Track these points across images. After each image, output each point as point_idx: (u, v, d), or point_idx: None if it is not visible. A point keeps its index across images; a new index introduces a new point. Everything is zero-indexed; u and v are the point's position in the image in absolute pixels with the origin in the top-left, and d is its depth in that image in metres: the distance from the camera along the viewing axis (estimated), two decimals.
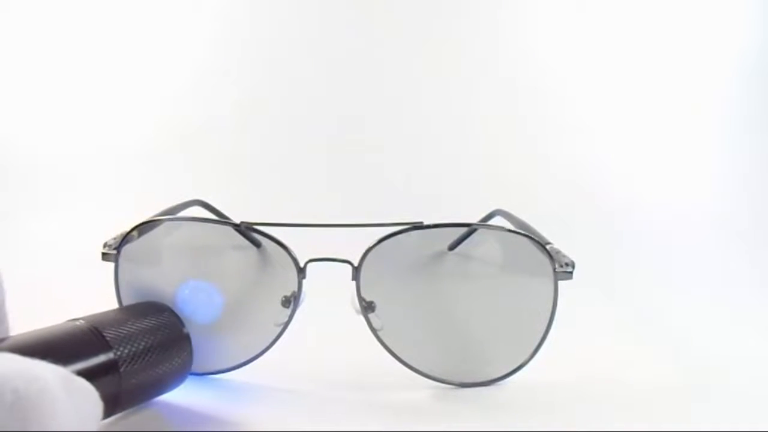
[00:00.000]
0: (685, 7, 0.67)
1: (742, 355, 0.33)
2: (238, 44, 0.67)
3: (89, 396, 0.19)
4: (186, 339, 0.26)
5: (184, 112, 0.65)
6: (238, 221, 0.28)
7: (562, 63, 0.67)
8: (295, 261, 0.28)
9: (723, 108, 0.67)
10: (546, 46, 0.68)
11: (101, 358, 0.22)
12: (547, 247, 0.28)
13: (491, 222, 0.36)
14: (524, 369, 0.28)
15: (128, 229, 0.28)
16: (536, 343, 0.28)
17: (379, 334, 0.28)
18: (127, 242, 0.28)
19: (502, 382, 0.28)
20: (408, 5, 0.67)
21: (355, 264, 0.28)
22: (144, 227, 0.28)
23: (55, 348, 0.21)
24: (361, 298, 0.28)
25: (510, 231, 0.29)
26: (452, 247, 0.30)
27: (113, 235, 0.28)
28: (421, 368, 0.28)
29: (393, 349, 0.28)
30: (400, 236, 0.28)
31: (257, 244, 0.29)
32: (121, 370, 0.22)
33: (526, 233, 0.29)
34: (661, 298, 0.42)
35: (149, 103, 0.65)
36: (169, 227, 0.29)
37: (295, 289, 0.28)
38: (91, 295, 0.28)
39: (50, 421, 0.16)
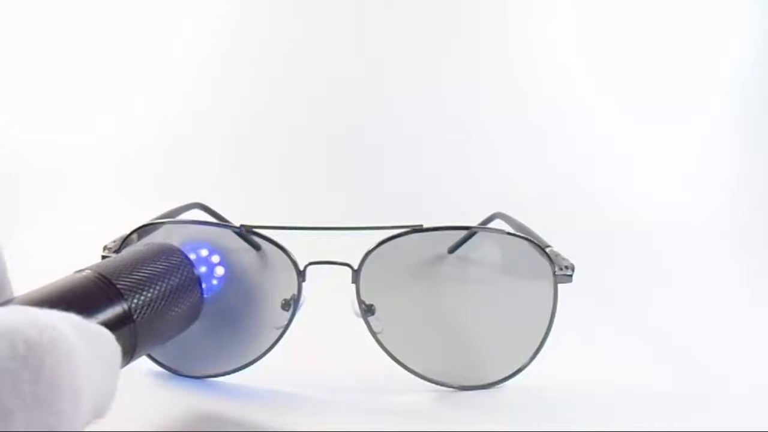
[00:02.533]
0: (685, 7, 0.67)
1: (742, 359, 0.33)
2: (238, 46, 0.67)
3: (106, 341, 0.18)
4: (197, 280, 0.25)
5: (184, 114, 0.65)
6: (238, 224, 0.28)
7: (561, 64, 0.67)
8: (295, 264, 0.28)
9: (723, 109, 0.67)
10: (546, 47, 0.67)
11: (116, 310, 0.21)
12: (547, 250, 0.28)
13: (491, 225, 0.36)
14: (524, 372, 0.28)
15: (128, 232, 0.28)
16: (536, 347, 0.28)
17: (379, 337, 0.28)
18: (127, 245, 0.28)
19: (501, 385, 0.28)
20: (408, 6, 0.67)
21: (355, 267, 0.28)
22: (144, 230, 0.28)
23: (66, 302, 0.19)
24: (360, 301, 0.28)
25: (510, 234, 0.29)
26: (452, 250, 0.30)
27: (113, 238, 0.28)
28: (420, 371, 0.28)
29: (393, 352, 0.28)
30: (399, 239, 0.28)
31: (257, 247, 0.29)
32: (136, 319, 0.21)
33: (526, 236, 0.29)
34: (660, 301, 0.42)
35: (149, 105, 0.65)
36: (169, 230, 0.29)
37: (295, 292, 0.28)
38: None
39: (67, 369, 0.16)
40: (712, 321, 0.39)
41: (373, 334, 0.28)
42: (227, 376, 0.28)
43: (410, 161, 0.62)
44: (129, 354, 0.21)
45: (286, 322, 0.28)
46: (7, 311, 0.16)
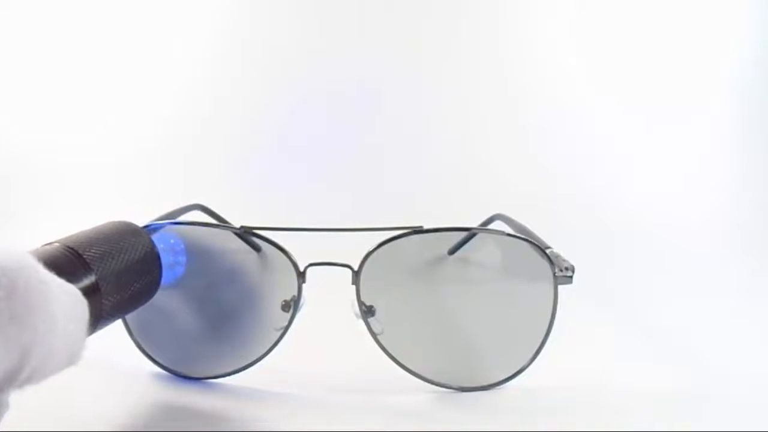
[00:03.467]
0: (685, 7, 0.67)
1: (742, 359, 0.33)
2: (238, 46, 0.67)
3: (74, 292, 0.19)
4: (157, 256, 0.26)
5: (184, 115, 0.65)
6: (238, 225, 0.28)
7: (561, 64, 0.67)
8: (295, 265, 0.28)
9: (723, 109, 0.67)
10: (546, 47, 0.67)
11: (83, 281, 0.21)
12: (547, 251, 0.28)
13: (491, 226, 0.36)
14: (524, 373, 0.28)
15: None
16: (536, 348, 0.28)
17: (379, 338, 0.28)
18: None
19: (501, 386, 0.29)
20: (408, 6, 0.67)
21: (355, 268, 0.28)
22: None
23: None
24: (361, 303, 0.28)
25: (510, 235, 0.29)
26: (452, 252, 0.30)
27: None
28: (420, 372, 0.28)
29: (393, 354, 0.28)
30: (400, 240, 0.28)
31: (257, 249, 0.29)
32: (102, 289, 0.22)
33: (526, 237, 0.29)
34: (660, 301, 0.42)
35: (149, 106, 0.65)
36: (169, 231, 0.29)
37: (295, 294, 0.28)
38: None
39: (40, 291, 0.17)
40: (712, 321, 0.39)
41: (373, 335, 0.28)
42: (227, 378, 0.28)
43: (410, 162, 0.62)
44: (94, 323, 0.22)
45: (286, 324, 0.28)
46: None
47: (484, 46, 0.67)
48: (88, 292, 0.21)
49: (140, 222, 0.28)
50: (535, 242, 0.28)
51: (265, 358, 0.28)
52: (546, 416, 0.27)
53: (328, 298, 0.28)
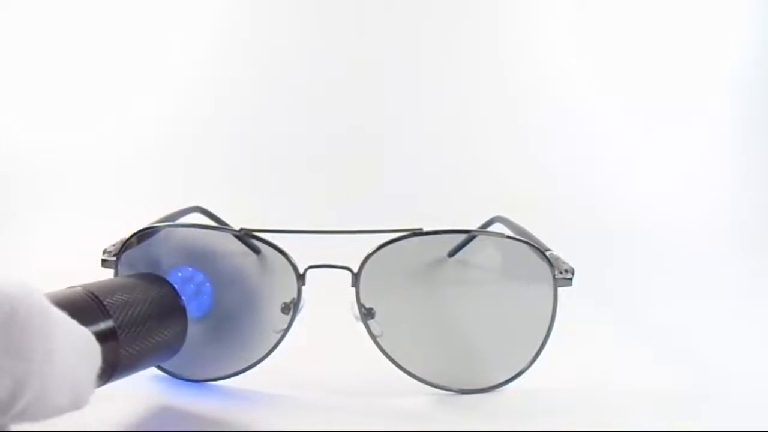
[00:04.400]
0: (686, 7, 0.67)
1: (742, 360, 0.33)
2: (238, 46, 0.67)
3: (85, 333, 0.18)
4: (182, 310, 0.26)
5: (183, 117, 0.65)
6: (237, 228, 0.28)
7: (561, 64, 0.67)
8: (295, 267, 0.28)
9: (723, 109, 0.67)
10: (546, 47, 0.67)
11: (101, 325, 0.21)
12: (547, 253, 0.28)
13: (491, 228, 0.36)
14: (524, 375, 0.28)
15: (128, 235, 0.28)
16: (536, 350, 0.28)
17: (379, 340, 0.28)
18: (127, 249, 0.28)
19: (501, 388, 0.29)
20: (408, 6, 0.67)
21: (355, 270, 0.28)
22: (144, 234, 0.28)
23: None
24: (360, 305, 0.28)
25: (509, 237, 0.29)
26: (452, 254, 0.30)
27: (113, 242, 0.28)
28: (420, 375, 0.28)
29: (392, 356, 0.28)
30: (399, 243, 0.28)
31: (257, 251, 0.29)
32: (120, 336, 0.22)
33: (526, 240, 0.29)
34: (660, 301, 0.42)
35: (149, 108, 0.65)
36: (168, 234, 0.29)
37: (295, 296, 0.28)
38: None
39: (39, 319, 0.16)
40: (712, 321, 0.39)
41: (373, 337, 0.28)
42: (227, 380, 0.28)
43: (410, 163, 0.62)
44: (109, 371, 0.22)
45: (286, 326, 0.28)
46: None
47: (484, 46, 0.67)
48: (105, 338, 0.21)
49: (140, 224, 0.28)
50: (535, 245, 0.28)
51: (265, 361, 0.28)
52: (546, 418, 0.27)
53: (327, 301, 0.28)
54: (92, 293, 0.22)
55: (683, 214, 0.59)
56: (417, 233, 0.28)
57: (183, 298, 0.26)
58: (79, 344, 0.18)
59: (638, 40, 0.66)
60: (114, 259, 0.28)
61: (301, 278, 0.28)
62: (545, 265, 0.28)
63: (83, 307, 0.21)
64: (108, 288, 0.23)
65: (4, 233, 0.51)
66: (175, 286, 0.26)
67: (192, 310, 0.27)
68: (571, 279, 0.28)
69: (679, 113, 0.66)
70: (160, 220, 0.31)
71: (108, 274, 0.28)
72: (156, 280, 0.26)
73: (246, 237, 0.28)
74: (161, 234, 0.28)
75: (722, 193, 0.62)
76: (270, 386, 0.28)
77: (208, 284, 0.28)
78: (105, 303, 0.22)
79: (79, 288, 0.22)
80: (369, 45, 0.66)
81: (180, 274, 0.27)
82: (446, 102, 0.65)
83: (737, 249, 0.54)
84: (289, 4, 0.68)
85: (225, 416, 0.26)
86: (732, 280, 0.47)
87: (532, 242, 0.29)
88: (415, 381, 0.28)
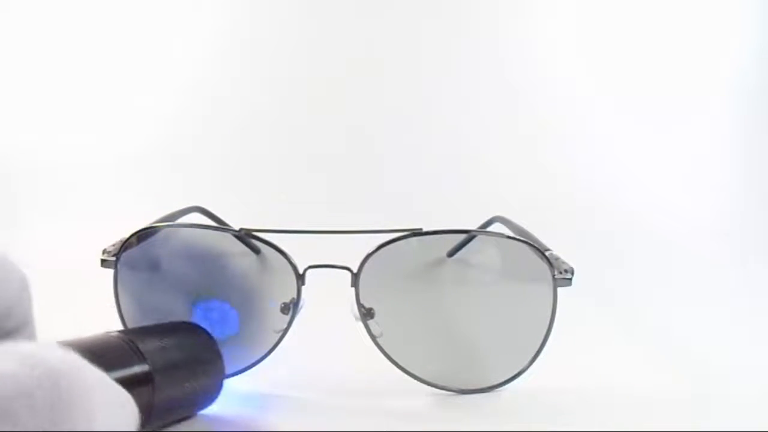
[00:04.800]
0: (686, 7, 0.67)
1: (742, 360, 0.33)
2: (238, 46, 0.67)
3: (123, 395, 0.18)
4: (220, 359, 0.26)
5: (183, 117, 0.65)
6: (237, 228, 0.28)
7: (561, 64, 0.67)
8: (294, 267, 0.28)
9: (723, 109, 0.67)
10: (546, 47, 0.67)
11: (136, 369, 0.22)
12: (547, 253, 0.28)
13: (490, 228, 0.36)
14: (523, 376, 0.28)
15: (127, 235, 0.28)
16: (535, 350, 0.28)
17: (379, 340, 0.28)
18: (127, 249, 0.28)
19: (501, 388, 0.28)
20: (408, 6, 0.67)
21: (354, 270, 0.28)
22: (143, 234, 0.28)
23: (90, 352, 0.19)
24: (360, 305, 0.28)
25: (509, 237, 0.29)
26: (451, 254, 0.30)
27: (112, 242, 0.28)
28: (420, 375, 0.28)
29: (392, 356, 0.28)
30: (399, 243, 0.28)
31: (256, 251, 0.29)
32: (155, 380, 0.22)
33: (526, 240, 0.29)
34: (660, 301, 0.42)
35: (148, 108, 0.65)
36: (168, 234, 0.29)
37: (294, 296, 0.28)
38: (90, 302, 0.28)
39: (81, 390, 0.15)
40: (712, 321, 0.39)
41: (373, 337, 0.28)
42: (227, 380, 0.28)
43: (410, 163, 0.62)
44: (146, 417, 0.21)
45: (285, 326, 0.28)
46: (31, 344, 0.16)
47: (484, 46, 0.67)
48: (140, 382, 0.21)
49: (139, 224, 0.28)
50: (535, 245, 0.28)
51: (264, 361, 0.28)
52: (546, 418, 0.27)
53: (327, 301, 0.28)
54: (128, 338, 0.22)
55: (683, 214, 0.59)
56: (416, 233, 0.28)
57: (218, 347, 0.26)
58: (118, 407, 0.18)
59: (638, 40, 0.66)
60: (113, 259, 0.28)
61: (300, 278, 0.28)
62: (545, 265, 0.28)
63: (120, 351, 0.22)
64: (145, 333, 0.23)
65: (4, 233, 0.51)
66: (204, 327, 0.26)
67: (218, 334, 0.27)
68: (570, 279, 0.28)
69: (679, 113, 0.66)
70: (160, 220, 0.31)
71: (107, 273, 0.28)
72: (195, 329, 0.26)
73: (246, 237, 0.28)
74: (161, 234, 0.28)
75: (722, 192, 0.62)
76: (269, 386, 0.28)
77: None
78: (140, 347, 0.22)
79: (116, 332, 0.23)
80: (369, 44, 0.66)
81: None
82: (446, 102, 0.65)
83: (737, 249, 0.54)
84: (289, 4, 0.68)
85: (224, 416, 0.26)
86: (732, 280, 0.47)
87: (531, 242, 0.29)
88: (415, 381, 0.28)
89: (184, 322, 0.26)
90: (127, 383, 0.19)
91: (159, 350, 0.23)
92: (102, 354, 0.20)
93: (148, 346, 0.22)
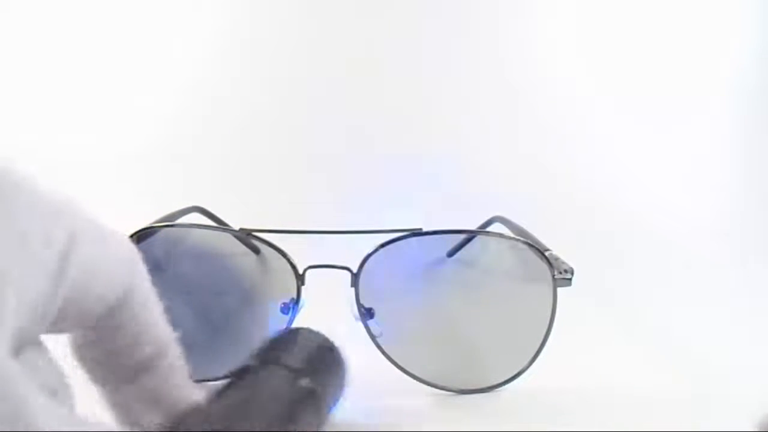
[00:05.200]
0: (686, 7, 0.67)
1: (742, 360, 0.33)
2: (238, 46, 0.67)
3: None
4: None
5: (183, 117, 0.65)
6: (237, 228, 0.28)
7: (561, 64, 0.67)
8: (294, 267, 0.28)
9: (723, 109, 0.67)
10: (546, 47, 0.67)
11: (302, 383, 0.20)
12: (546, 253, 0.28)
13: (490, 228, 0.36)
14: (523, 376, 0.28)
15: (127, 235, 0.28)
16: (535, 350, 0.28)
17: (378, 340, 0.28)
18: None
19: (501, 388, 0.29)
20: (408, 6, 0.67)
21: (354, 270, 0.28)
22: (143, 234, 0.28)
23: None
24: (360, 305, 0.28)
25: (509, 237, 0.29)
26: (451, 254, 0.30)
27: None
28: (420, 375, 0.28)
29: (392, 356, 0.28)
30: (399, 243, 0.28)
31: (256, 251, 0.29)
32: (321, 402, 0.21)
33: (525, 240, 0.29)
34: (660, 301, 0.42)
35: (148, 108, 0.65)
36: (168, 234, 0.29)
37: (294, 296, 0.28)
38: None
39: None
40: (712, 321, 0.39)
41: (373, 337, 0.28)
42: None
43: (410, 163, 0.62)
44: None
45: (285, 326, 0.28)
46: None
47: (484, 46, 0.67)
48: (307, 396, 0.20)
49: (139, 224, 0.28)
50: (535, 244, 0.28)
51: None
52: (546, 418, 0.27)
53: (327, 301, 0.28)
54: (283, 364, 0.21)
55: (683, 214, 0.59)
56: (416, 233, 0.28)
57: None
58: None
59: (638, 39, 0.66)
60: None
61: (300, 278, 0.28)
62: (544, 265, 0.28)
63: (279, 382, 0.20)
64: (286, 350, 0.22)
65: None
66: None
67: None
68: (570, 279, 0.28)
69: (679, 113, 0.65)
70: (160, 220, 0.31)
71: None
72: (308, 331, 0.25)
73: (246, 237, 0.28)
74: (161, 234, 0.28)
75: (722, 192, 0.61)
76: None
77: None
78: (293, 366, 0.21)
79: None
80: (369, 44, 0.66)
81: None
82: (446, 102, 0.65)
83: (737, 249, 0.54)
84: (289, 4, 0.68)
85: None
86: (732, 280, 0.47)
87: (531, 242, 0.29)
88: (415, 381, 0.28)
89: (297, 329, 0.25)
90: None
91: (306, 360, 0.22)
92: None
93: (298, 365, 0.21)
